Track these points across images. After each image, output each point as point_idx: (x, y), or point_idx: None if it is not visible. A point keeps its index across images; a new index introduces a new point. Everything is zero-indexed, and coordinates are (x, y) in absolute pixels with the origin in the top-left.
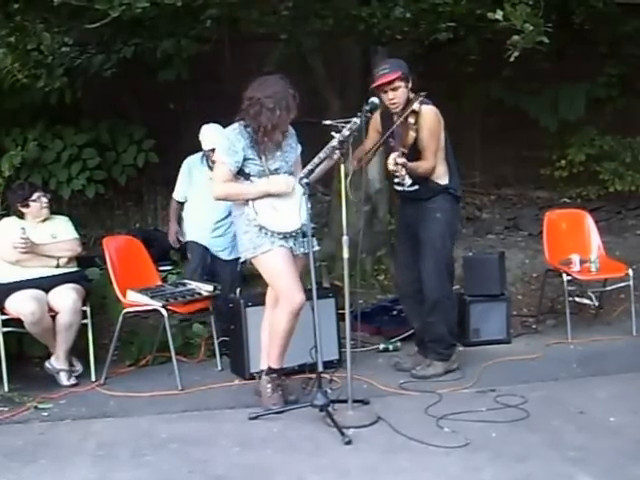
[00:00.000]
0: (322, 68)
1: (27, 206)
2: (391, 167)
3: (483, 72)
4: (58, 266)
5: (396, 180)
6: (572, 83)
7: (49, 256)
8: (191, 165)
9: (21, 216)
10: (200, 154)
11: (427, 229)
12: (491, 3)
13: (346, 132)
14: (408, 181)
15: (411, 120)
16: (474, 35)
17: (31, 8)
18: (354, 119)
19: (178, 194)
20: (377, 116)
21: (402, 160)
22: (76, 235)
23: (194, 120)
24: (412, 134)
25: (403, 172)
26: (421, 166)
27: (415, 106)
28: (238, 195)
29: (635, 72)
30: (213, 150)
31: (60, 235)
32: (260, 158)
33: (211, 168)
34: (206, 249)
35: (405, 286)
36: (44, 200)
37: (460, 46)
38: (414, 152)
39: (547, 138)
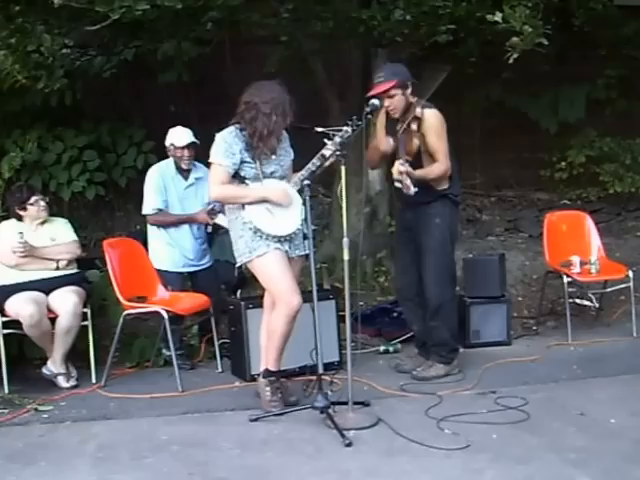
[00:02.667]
0: (322, 70)
1: (25, 209)
2: (396, 176)
3: (483, 74)
4: (57, 268)
5: (400, 188)
6: (572, 85)
7: (48, 259)
8: (165, 177)
9: (20, 219)
10: (171, 164)
11: (428, 235)
12: (490, 5)
13: (337, 139)
14: (413, 190)
15: (414, 127)
16: (474, 37)
17: (32, 10)
18: (345, 128)
19: (157, 203)
20: (382, 113)
21: (405, 168)
22: (75, 237)
23: (195, 122)
24: (416, 142)
25: (407, 181)
26: (432, 171)
27: (417, 112)
28: (236, 198)
29: (635, 74)
30: (189, 146)
31: (59, 238)
32: (255, 162)
33: (186, 178)
34: (182, 274)
35: (405, 289)
36: (42, 203)
37: (460, 48)
38: (422, 158)
39: (547, 140)
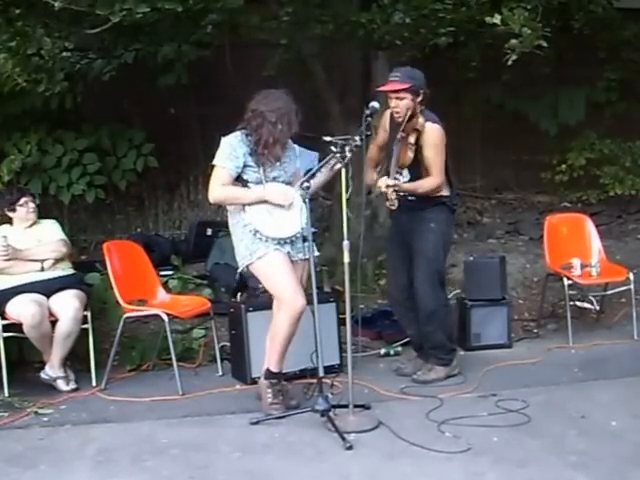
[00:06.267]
0: (322, 73)
1: (14, 210)
2: (383, 189)
3: (483, 77)
4: (42, 269)
5: (387, 204)
6: (572, 87)
7: (34, 260)
8: None
9: (10, 222)
10: None
11: (421, 239)
12: (489, 8)
13: (346, 149)
14: (396, 204)
15: (411, 140)
16: (474, 41)
17: (32, 13)
18: (355, 136)
19: None
20: (387, 115)
21: (392, 182)
22: (61, 236)
23: (195, 125)
24: (410, 155)
25: (393, 196)
26: (423, 185)
27: (419, 124)
28: (235, 199)
29: (634, 76)
30: None
31: (45, 238)
32: (259, 167)
33: None
34: None
35: (396, 292)
36: (31, 205)
37: (460, 52)
38: (416, 170)
39: (547, 142)
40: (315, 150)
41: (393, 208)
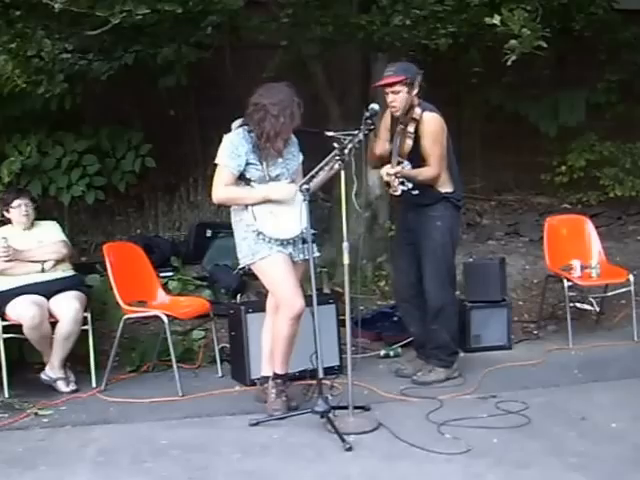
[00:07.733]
0: (322, 74)
1: (8, 212)
2: (385, 178)
3: (483, 78)
4: (43, 270)
5: (391, 191)
6: (572, 89)
7: (35, 261)
8: None
9: (11, 223)
10: None
11: (428, 237)
12: (489, 10)
13: (349, 146)
14: (399, 191)
15: (410, 129)
16: (475, 45)
17: (32, 15)
18: (357, 132)
19: None
20: (387, 114)
21: (394, 170)
22: (62, 237)
23: (195, 126)
24: (409, 142)
25: (396, 182)
26: (422, 173)
27: (416, 114)
28: (239, 199)
29: (635, 78)
30: None
31: (46, 239)
32: (261, 164)
33: None
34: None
35: (403, 290)
36: (24, 209)
37: (461, 56)
38: (417, 160)
39: (547, 144)
40: (316, 146)
41: (397, 194)
